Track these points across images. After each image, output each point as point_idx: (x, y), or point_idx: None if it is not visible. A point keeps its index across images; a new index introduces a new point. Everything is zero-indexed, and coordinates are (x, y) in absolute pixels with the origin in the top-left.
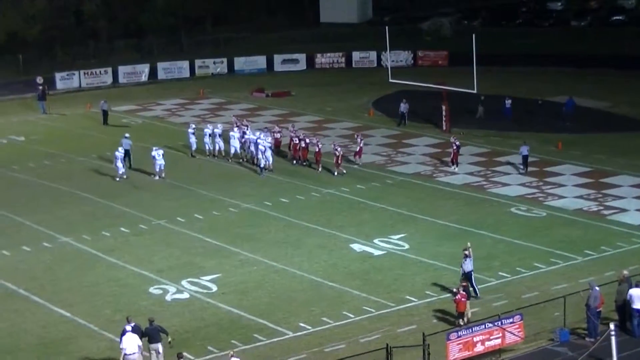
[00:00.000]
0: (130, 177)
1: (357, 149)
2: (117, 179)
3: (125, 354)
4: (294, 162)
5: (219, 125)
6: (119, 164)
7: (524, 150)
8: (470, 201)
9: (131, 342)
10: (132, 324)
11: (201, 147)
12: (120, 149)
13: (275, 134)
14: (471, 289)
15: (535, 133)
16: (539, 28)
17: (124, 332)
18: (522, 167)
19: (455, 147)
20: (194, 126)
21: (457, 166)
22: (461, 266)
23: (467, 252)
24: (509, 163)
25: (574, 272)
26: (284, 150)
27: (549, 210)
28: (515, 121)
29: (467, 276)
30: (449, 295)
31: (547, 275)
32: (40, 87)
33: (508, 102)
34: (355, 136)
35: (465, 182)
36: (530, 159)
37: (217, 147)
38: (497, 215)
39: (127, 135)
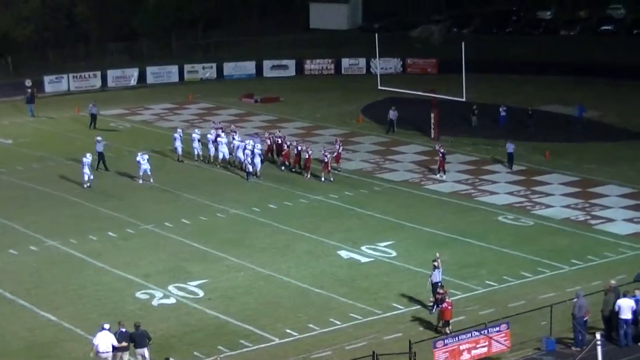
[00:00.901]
0: (99, 184)
1: (335, 154)
2: (85, 186)
3: (97, 352)
4: (282, 167)
5: (212, 131)
6: (86, 170)
7: (510, 147)
8: (458, 209)
9: (105, 341)
10: (123, 330)
11: (189, 152)
12: (88, 155)
13: (276, 140)
14: (432, 300)
15: (523, 142)
16: (529, 36)
17: (100, 329)
18: (507, 164)
19: (441, 155)
20: (180, 131)
21: (444, 174)
22: (430, 277)
23: (435, 264)
24: (495, 160)
25: (561, 281)
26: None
27: (536, 219)
28: (509, 130)
29: (434, 287)
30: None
31: (534, 284)
32: (29, 90)
33: (503, 110)
34: (335, 141)
35: (453, 190)
36: (518, 168)
37: (210, 153)
38: (484, 223)
39: (99, 138)
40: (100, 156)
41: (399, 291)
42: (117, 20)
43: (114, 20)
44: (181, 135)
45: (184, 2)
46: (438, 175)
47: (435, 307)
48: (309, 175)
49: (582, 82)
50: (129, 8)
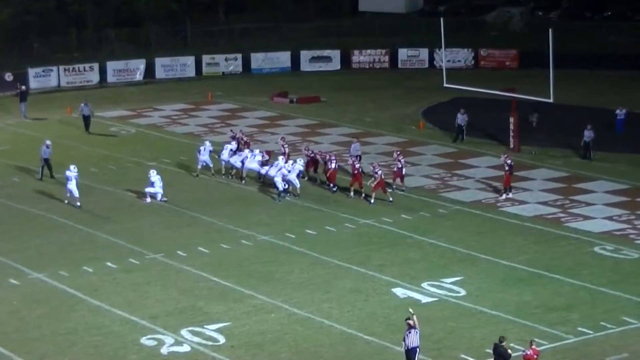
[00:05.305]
0: (95, 202)
1: (395, 170)
2: (77, 204)
3: None
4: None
5: (233, 142)
6: (71, 187)
7: (589, 136)
8: (544, 237)
9: None
10: None
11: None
12: (72, 167)
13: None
14: None
15: (627, 153)
16: (633, 22)
17: None
18: (582, 155)
19: (507, 169)
20: (208, 144)
21: (510, 192)
22: (403, 341)
23: (410, 322)
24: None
25: None
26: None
27: None
28: (629, 137)
29: (408, 354)
30: (517, 352)
31: None
32: (23, 87)
33: (621, 112)
34: (395, 154)
35: (538, 214)
36: (619, 187)
37: (236, 166)
38: (576, 255)
39: (48, 142)
40: (46, 163)
41: (469, 339)
42: (117, 2)
43: (112, 1)
44: (211, 149)
45: None
46: (504, 196)
47: None
48: (335, 188)
49: None
50: None
